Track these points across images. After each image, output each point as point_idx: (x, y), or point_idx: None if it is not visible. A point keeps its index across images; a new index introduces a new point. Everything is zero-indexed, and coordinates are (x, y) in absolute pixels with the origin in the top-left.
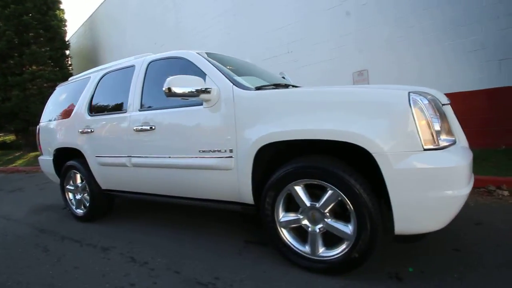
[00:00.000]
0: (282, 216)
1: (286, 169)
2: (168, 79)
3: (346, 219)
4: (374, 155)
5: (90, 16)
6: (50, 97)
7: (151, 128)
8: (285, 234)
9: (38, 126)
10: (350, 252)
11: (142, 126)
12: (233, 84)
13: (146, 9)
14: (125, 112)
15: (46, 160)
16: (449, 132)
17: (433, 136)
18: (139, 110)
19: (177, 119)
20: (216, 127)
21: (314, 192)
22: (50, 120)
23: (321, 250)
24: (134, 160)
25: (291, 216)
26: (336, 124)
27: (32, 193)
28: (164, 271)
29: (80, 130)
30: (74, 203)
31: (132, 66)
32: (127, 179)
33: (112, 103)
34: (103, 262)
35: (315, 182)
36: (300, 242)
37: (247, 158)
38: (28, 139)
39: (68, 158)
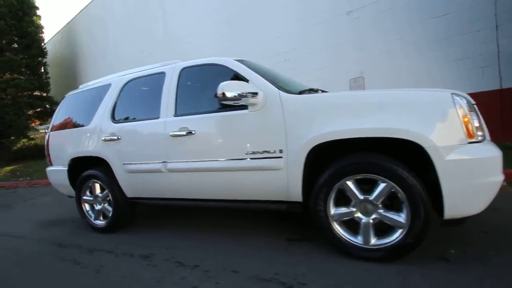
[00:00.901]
0: (334, 210)
1: (340, 166)
2: (222, 84)
3: (397, 209)
4: (427, 149)
5: (68, 23)
6: (60, 105)
7: (190, 132)
8: (338, 228)
9: (47, 136)
10: (405, 238)
11: (179, 131)
12: (278, 89)
13: (132, 17)
14: (158, 118)
15: (58, 171)
16: (482, 128)
17: (473, 131)
18: (174, 116)
19: (220, 123)
20: (264, 130)
21: (361, 187)
22: (62, 129)
23: (373, 240)
24: (170, 165)
25: (344, 209)
26: (392, 123)
27: (24, 209)
28: (220, 271)
29: (103, 138)
30: (92, 214)
31: (162, 73)
32: (160, 185)
33: (140, 109)
34: (151, 269)
35: (369, 177)
36: (352, 234)
37: (299, 157)
38: (1, 152)
39: (85, 168)
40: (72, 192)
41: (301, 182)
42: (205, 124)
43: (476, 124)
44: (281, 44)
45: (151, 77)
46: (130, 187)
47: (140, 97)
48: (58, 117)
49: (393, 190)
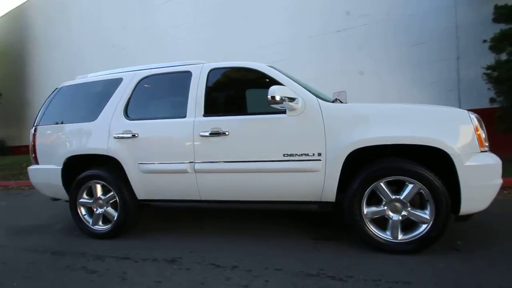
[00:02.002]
0: (366, 209)
1: (375, 169)
2: (273, 88)
3: (420, 207)
4: (451, 155)
5: (17, 7)
6: (52, 96)
7: (223, 133)
8: (370, 225)
9: (33, 130)
10: (429, 232)
11: (211, 131)
12: (316, 96)
13: (102, 7)
14: (185, 118)
15: (47, 170)
16: (487, 140)
17: (483, 142)
18: (204, 116)
19: (258, 125)
20: (303, 134)
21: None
22: (55, 123)
23: (401, 235)
24: (199, 166)
25: (376, 208)
26: (426, 133)
27: None
28: (263, 270)
29: (115, 135)
30: (89, 219)
31: (187, 72)
32: (184, 186)
33: (160, 107)
34: (186, 272)
35: (399, 179)
36: (381, 230)
37: (337, 160)
38: None
39: (81, 168)
40: (61, 194)
41: (337, 183)
42: (241, 125)
43: (484, 136)
44: (270, 52)
45: (173, 75)
46: (144, 188)
47: (159, 95)
48: (49, 110)
49: (420, 190)
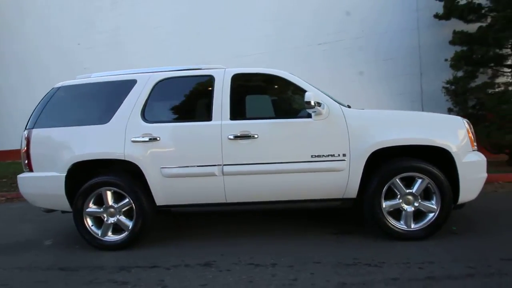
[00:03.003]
0: (385, 203)
1: (392, 167)
2: (310, 93)
3: (427, 198)
4: (453, 154)
5: None
6: (48, 97)
7: (252, 136)
8: (388, 217)
9: (26, 133)
10: (436, 220)
11: (240, 134)
12: (338, 103)
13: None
14: (211, 121)
15: (44, 178)
16: (475, 140)
17: (473, 143)
18: (231, 120)
19: (287, 128)
20: (329, 136)
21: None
22: (55, 126)
23: (413, 224)
24: (227, 168)
25: (393, 202)
26: (433, 136)
27: None
28: (304, 265)
29: (133, 139)
30: (97, 230)
31: (209, 76)
32: (211, 189)
33: (182, 110)
34: (227, 274)
35: (410, 175)
36: (397, 221)
37: (360, 160)
38: None
39: (84, 175)
40: (60, 204)
41: (359, 181)
42: (270, 128)
43: (473, 138)
44: (252, 61)
45: (193, 78)
46: (165, 193)
47: (178, 98)
48: (46, 112)
49: (428, 185)
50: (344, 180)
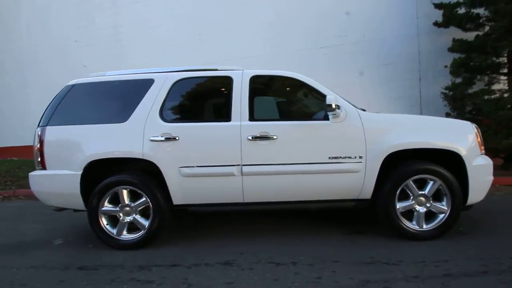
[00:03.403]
0: (398, 205)
1: (406, 170)
2: (331, 97)
3: (439, 200)
4: (463, 157)
5: None
6: (62, 95)
7: (271, 137)
8: (401, 218)
9: (40, 131)
10: (446, 221)
11: (259, 135)
12: (354, 106)
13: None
14: (231, 121)
15: (59, 176)
16: (483, 144)
17: (481, 147)
18: (250, 120)
19: (305, 130)
20: (346, 139)
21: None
22: (70, 124)
23: (425, 224)
24: (246, 168)
25: (405, 203)
26: (445, 140)
27: None
28: (323, 263)
29: (152, 138)
30: (112, 229)
31: (227, 77)
32: (228, 189)
33: (200, 111)
34: (250, 272)
35: (423, 177)
36: (409, 221)
37: (376, 162)
38: None
39: (99, 174)
40: (74, 203)
41: (374, 182)
42: (289, 130)
43: (481, 142)
44: (253, 63)
45: (211, 79)
46: (183, 192)
47: (195, 98)
48: (61, 109)
49: (440, 186)
50: (360, 181)
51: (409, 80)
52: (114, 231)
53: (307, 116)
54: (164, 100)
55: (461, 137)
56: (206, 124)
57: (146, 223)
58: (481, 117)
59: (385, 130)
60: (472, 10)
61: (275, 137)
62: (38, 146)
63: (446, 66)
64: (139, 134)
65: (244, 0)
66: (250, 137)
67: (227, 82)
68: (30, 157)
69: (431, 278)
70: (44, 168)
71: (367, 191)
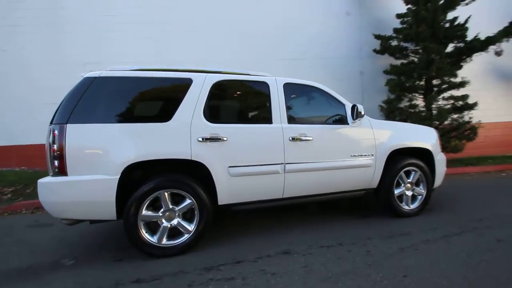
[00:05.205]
0: (396, 190)
1: (403, 164)
2: (359, 106)
3: (417, 185)
4: (433, 153)
5: None
6: (81, 89)
7: (308, 138)
8: (397, 201)
9: (58, 129)
10: (425, 200)
11: (299, 136)
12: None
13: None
14: (272, 124)
15: (88, 182)
16: (441, 144)
17: (440, 146)
18: (288, 123)
19: (333, 133)
20: (362, 140)
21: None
22: (97, 122)
23: (411, 204)
24: (289, 166)
25: (399, 189)
26: (423, 140)
27: None
28: (362, 241)
29: (200, 138)
30: (151, 237)
31: (264, 83)
32: (271, 186)
33: (239, 112)
34: (313, 256)
35: (410, 169)
36: (401, 203)
37: (382, 158)
38: None
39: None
40: (102, 213)
41: (381, 174)
42: (321, 132)
43: (440, 143)
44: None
45: (248, 83)
46: (230, 192)
47: (235, 100)
48: (83, 105)
49: (419, 175)
50: (371, 174)
51: (355, 93)
52: (155, 239)
53: (328, 121)
54: (207, 101)
55: (431, 139)
56: (252, 125)
57: (191, 226)
58: None
59: (387, 133)
60: (402, 44)
61: (311, 138)
62: (56, 147)
63: (386, 85)
64: (186, 135)
65: (217, 5)
66: (290, 138)
67: (264, 87)
68: None
69: (437, 239)
70: (63, 173)
71: (375, 182)
